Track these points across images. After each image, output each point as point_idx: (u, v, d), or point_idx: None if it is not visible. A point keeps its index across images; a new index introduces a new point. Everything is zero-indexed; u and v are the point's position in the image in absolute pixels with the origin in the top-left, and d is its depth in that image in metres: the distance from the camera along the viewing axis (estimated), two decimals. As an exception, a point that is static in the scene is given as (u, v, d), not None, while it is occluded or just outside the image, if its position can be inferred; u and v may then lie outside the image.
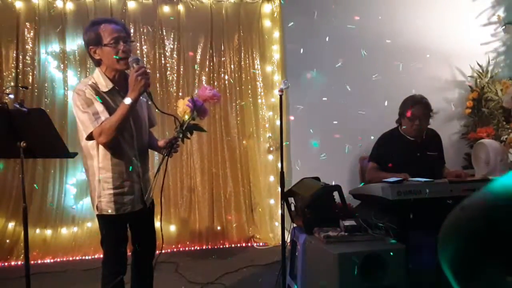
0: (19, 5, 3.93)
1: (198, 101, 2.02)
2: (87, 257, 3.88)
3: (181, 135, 2.02)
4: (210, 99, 2.02)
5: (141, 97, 1.98)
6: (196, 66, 4.16)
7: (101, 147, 1.96)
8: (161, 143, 2.17)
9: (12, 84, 3.88)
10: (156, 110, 2.17)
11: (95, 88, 1.95)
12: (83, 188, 4.00)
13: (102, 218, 2.04)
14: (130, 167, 2.03)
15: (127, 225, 2.14)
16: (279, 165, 2.79)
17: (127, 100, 1.86)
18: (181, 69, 4.16)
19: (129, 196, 2.04)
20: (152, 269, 2.28)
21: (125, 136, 2.00)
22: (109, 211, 2.00)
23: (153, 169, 2.59)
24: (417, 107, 2.95)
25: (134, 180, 2.05)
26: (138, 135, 2.08)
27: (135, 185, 2.06)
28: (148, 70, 1.93)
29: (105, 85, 1.98)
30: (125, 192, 2.03)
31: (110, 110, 1.93)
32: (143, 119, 2.14)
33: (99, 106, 1.91)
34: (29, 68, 3.94)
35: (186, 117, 2.01)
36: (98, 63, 2.03)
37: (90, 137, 1.93)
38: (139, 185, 2.08)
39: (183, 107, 2.01)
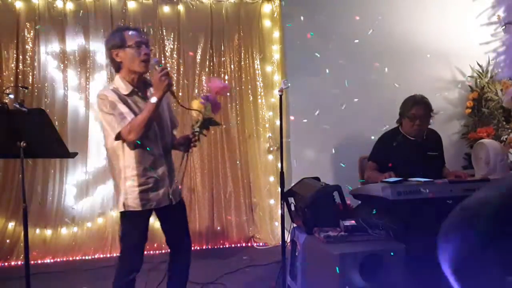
0: (19, 5, 3.93)
1: (210, 96, 2.12)
2: (87, 257, 3.88)
3: (198, 130, 2.14)
4: (220, 90, 2.12)
5: (164, 102, 2.15)
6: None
7: (126, 147, 2.07)
8: (179, 140, 2.30)
9: (12, 84, 3.88)
10: (180, 106, 2.28)
11: (116, 92, 2.07)
12: (83, 188, 4.00)
13: (126, 215, 2.13)
14: (155, 164, 2.13)
15: (148, 223, 2.21)
16: (279, 165, 2.79)
17: (153, 99, 1.98)
18: (181, 69, 4.16)
19: (154, 192, 2.13)
20: (189, 263, 2.40)
21: (149, 135, 2.10)
22: (135, 207, 2.09)
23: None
24: (417, 107, 2.94)
25: (159, 177, 2.14)
26: (162, 135, 2.18)
27: (160, 181, 2.14)
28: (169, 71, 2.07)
29: (125, 88, 2.10)
30: (150, 188, 2.11)
31: (132, 111, 2.04)
32: (166, 120, 2.25)
33: (123, 108, 2.02)
34: (29, 68, 3.94)
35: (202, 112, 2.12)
36: (118, 67, 2.14)
37: (117, 138, 2.03)
38: (164, 181, 2.16)
39: (197, 105, 2.12)
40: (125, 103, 2.05)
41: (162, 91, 1.98)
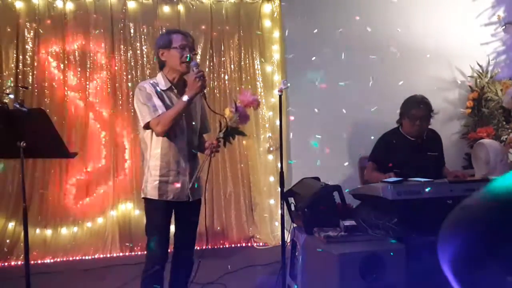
0: (19, 5, 3.93)
1: (239, 107, 2.26)
2: (87, 257, 3.88)
3: (221, 136, 2.26)
4: (250, 103, 2.26)
5: (198, 104, 2.33)
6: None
7: (154, 138, 2.21)
8: (205, 144, 2.37)
9: (12, 84, 3.88)
10: (209, 109, 2.36)
11: (155, 86, 2.23)
12: (83, 188, 4.00)
13: (147, 202, 2.26)
14: (178, 159, 2.24)
15: (171, 215, 2.30)
16: (279, 165, 2.79)
17: (185, 97, 2.12)
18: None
19: (172, 185, 2.23)
20: (192, 262, 2.43)
21: (177, 132, 2.22)
22: (153, 195, 2.21)
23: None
24: (418, 107, 2.94)
25: (180, 172, 2.24)
26: (189, 135, 2.30)
27: (180, 177, 2.24)
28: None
29: (164, 84, 2.25)
30: (170, 181, 2.22)
31: (165, 106, 2.18)
32: (196, 122, 2.36)
33: (157, 101, 2.17)
34: (29, 68, 3.94)
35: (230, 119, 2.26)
36: (162, 65, 2.30)
37: (146, 127, 2.19)
38: (185, 178, 2.26)
39: (228, 113, 2.26)
40: (160, 97, 2.20)
41: (195, 91, 2.11)
